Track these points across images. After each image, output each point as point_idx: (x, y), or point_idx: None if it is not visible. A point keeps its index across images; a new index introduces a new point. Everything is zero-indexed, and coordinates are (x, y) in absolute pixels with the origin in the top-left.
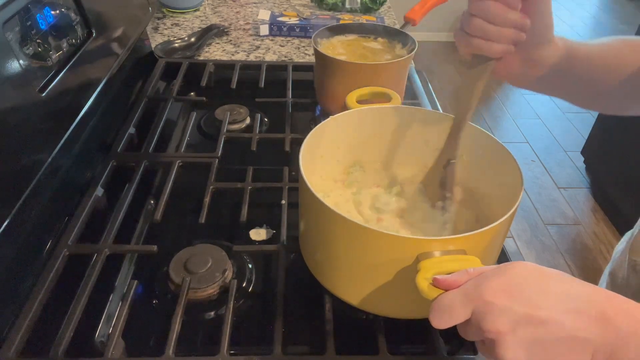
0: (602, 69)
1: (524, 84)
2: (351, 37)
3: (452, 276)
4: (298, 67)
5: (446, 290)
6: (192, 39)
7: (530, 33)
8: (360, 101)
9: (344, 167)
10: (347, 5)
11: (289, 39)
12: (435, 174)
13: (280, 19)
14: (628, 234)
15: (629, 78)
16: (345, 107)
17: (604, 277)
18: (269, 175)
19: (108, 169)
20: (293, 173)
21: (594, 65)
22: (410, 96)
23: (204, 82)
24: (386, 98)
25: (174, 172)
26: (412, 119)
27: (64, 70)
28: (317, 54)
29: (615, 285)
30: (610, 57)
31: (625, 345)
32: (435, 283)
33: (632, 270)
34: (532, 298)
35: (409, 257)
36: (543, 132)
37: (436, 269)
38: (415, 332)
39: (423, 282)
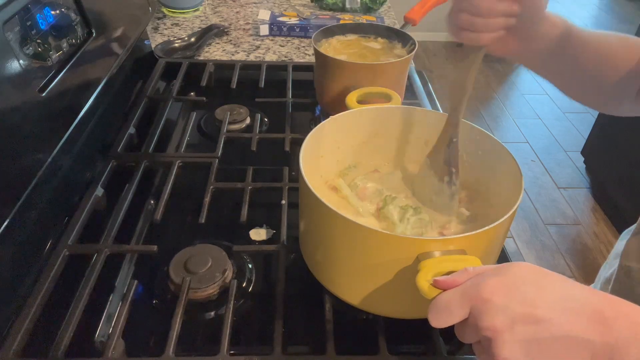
0: (595, 58)
1: (522, 60)
2: (351, 37)
3: (451, 276)
4: (298, 67)
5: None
6: (192, 39)
7: (522, 12)
8: (361, 101)
9: (345, 167)
10: (347, 5)
11: (289, 39)
12: (440, 153)
13: (280, 19)
14: (623, 236)
15: (618, 73)
16: (345, 107)
17: (598, 280)
18: (269, 175)
19: (108, 169)
20: (293, 173)
21: (587, 52)
22: (410, 96)
23: (204, 82)
24: (386, 98)
25: (174, 172)
26: (412, 119)
27: (64, 70)
28: (317, 54)
29: (608, 290)
30: (603, 49)
31: (625, 348)
32: (435, 284)
33: (625, 276)
34: (530, 297)
35: (409, 257)
36: (543, 132)
37: (436, 269)
38: (415, 332)
39: (423, 282)
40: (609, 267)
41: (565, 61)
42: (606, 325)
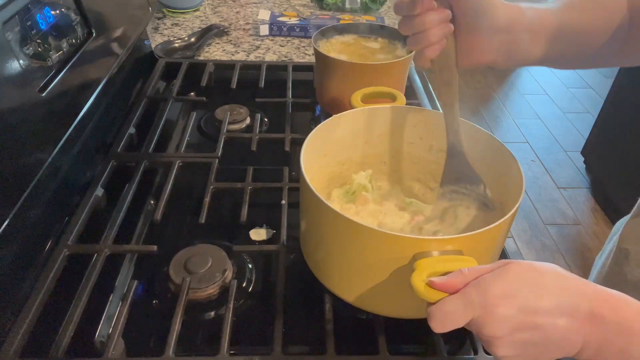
0: (568, 28)
1: (502, 63)
2: (351, 37)
3: (447, 278)
4: (298, 67)
5: (440, 291)
6: (192, 39)
7: (460, 14)
8: (365, 101)
9: (346, 167)
10: (347, 5)
11: (289, 39)
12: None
13: (280, 19)
14: (619, 224)
15: (595, 36)
16: (345, 107)
17: (594, 269)
18: (269, 175)
19: (108, 169)
20: (293, 173)
21: (560, 27)
22: (410, 96)
23: (204, 82)
24: (391, 98)
25: (174, 172)
26: (415, 119)
27: (64, 70)
28: (317, 54)
29: (607, 274)
30: (574, 24)
31: (613, 338)
32: (430, 284)
33: (624, 258)
34: (530, 303)
35: (406, 257)
36: (543, 132)
37: (431, 269)
38: (415, 332)
39: (418, 281)
40: (603, 252)
41: (540, 43)
42: (596, 322)
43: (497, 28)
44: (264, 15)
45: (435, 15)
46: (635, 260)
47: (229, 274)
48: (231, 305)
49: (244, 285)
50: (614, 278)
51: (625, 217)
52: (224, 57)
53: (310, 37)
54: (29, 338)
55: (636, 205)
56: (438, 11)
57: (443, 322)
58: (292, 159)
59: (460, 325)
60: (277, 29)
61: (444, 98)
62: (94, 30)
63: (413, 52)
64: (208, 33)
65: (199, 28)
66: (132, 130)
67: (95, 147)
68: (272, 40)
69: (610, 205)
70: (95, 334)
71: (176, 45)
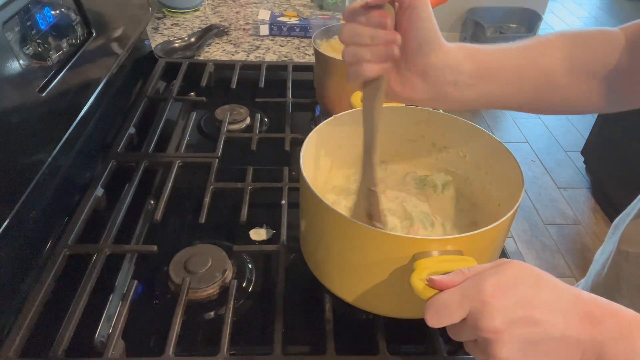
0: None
1: (445, 105)
2: None
3: (447, 276)
4: (298, 67)
5: (440, 290)
6: (192, 39)
7: (411, 44)
8: None
9: (346, 167)
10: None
11: (289, 39)
12: (360, 205)
13: (280, 19)
14: (618, 220)
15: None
16: (345, 107)
17: (594, 266)
18: (269, 175)
19: (108, 169)
20: (293, 173)
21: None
22: None
23: (204, 82)
24: None
25: (174, 172)
26: (415, 119)
27: (64, 70)
28: (317, 54)
29: (606, 275)
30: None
31: (613, 345)
32: (430, 283)
33: (624, 260)
34: (528, 298)
35: (405, 257)
36: (543, 132)
37: (431, 269)
38: (415, 332)
39: (417, 281)
40: (603, 252)
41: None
42: (595, 323)
43: (456, 72)
44: (264, 15)
45: (381, 33)
46: (635, 262)
47: (229, 274)
48: (231, 305)
49: (244, 285)
50: (613, 279)
51: (624, 214)
52: (224, 57)
53: (310, 37)
54: (29, 338)
55: (638, 206)
56: (388, 31)
57: (439, 315)
58: (292, 159)
59: (456, 319)
60: (277, 29)
61: (368, 137)
62: (94, 30)
63: None
64: (208, 33)
65: (199, 28)
66: (132, 130)
67: (95, 147)
68: (272, 40)
69: (610, 205)
70: (95, 334)
71: (176, 45)
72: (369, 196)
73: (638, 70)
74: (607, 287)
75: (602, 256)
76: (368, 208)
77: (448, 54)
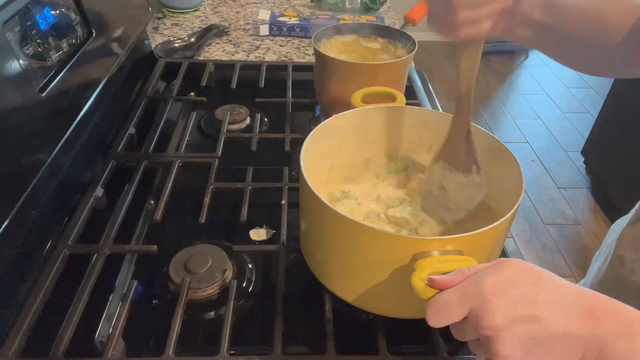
0: (583, 22)
1: (510, 37)
2: (351, 37)
3: (447, 276)
4: (298, 67)
5: (441, 290)
6: (192, 39)
7: None
8: (365, 101)
9: (346, 167)
10: (347, 5)
11: (289, 39)
12: (456, 149)
13: (280, 19)
14: (616, 224)
15: (611, 36)
16: (345, 107)
17: (591, 269)
18: (269, 175)
19: (108, 169)
20: (293, 173)
21: (573, 18)
22: (410, 96)
23: (204, 82)
24: (391, 98)
25: (174, 172)
26: (414, 119)
27: (64, 70)
28: (317, 54)
29: (603, 278)
30: (589, 9)
31: (614, 342)
32: (430, 283)
33: (620, 264)
34: (528, 295)
35: (406, 257)
36: (543, 132)
37: (431, 269)
38: (415, 332)
39: (418, 281)
40: (600, 255)
41: (555, 33)
42: (596, 321)
43: (530, 10)
44: (264, 15)
45: None
46: (630, 267)
47: (229, 274)
48: (231, 305)
49: (244, 285)
50: (609, 283)
51: (622, 218)
52: (224, 57)
53: (310, 37)
54: (29, 338)
55: (634, 211)
56: None
57: (439, 314)
58: (292, 159)
59: (457, 318)
60: (277, 29)
61: (461, 82)
62: (94, 30)
63: (413, 52)
64: (208, 33)
65: (199, 28)
66: (132, 130)
67: (95, 147)
68: (272, 40)
69: (610, 205)
70: (95, 334)
71: (176, 45)
72: (468, 137)
73: None
74: (604, 291)
75: (599, 259)
76: (468, 150)
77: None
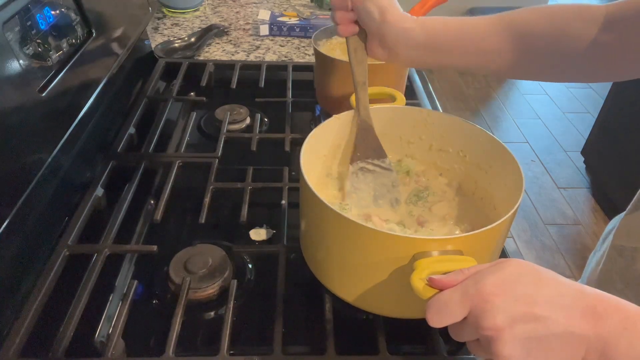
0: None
1: (399, 63)
2: None
3: (447, 276)
4: (298, 67)
5: (441, 290)
6: (192, 39)
7: (363, 13)
8: None
9: (345, 167)
10: None
11: (289, 39)
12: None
13: (280, 19)
14: (612, 223)
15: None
16: (345, 107)
17: (588, 266)
18: (269, 175)
19: (108, 169)
20: (293, 173)
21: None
22: (410, 96)
23: (204, 82)
24: (391, 98)
25: (174, 172)
26: (414, 119)
27: (64, 70)
28: (317, 54)
29: (601, 271)
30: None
31: (616, 341)
32: (430, 283)
33: (618, 255)
34: (529, 294)
35: (405, 257)
36: (543, 132)
37: (431, 269)
38: (415, 332)
39: (417, 281)
40: (595, 254)
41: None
42: (598, 319)
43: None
44: (264, 15)
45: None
46: (630, 257)
47: (229, 274)
48: (231, 305)
49: (244, 285)
50: (607, 275)
51: (618, 216)
52: (224, 57)
53: (310, 37)
54: (29, 338)
55: (632, 202)
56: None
57: (440, 314)
58: (292, 159)
59: (457, 318)
60: (277, 29)
61: (357, 77)
62: (94, 30)
63: None
64: (208, 33)
65: (199, 28)
66: (132, 130)
67: (95, 147)
68: (272, 40)
69: (610, 205)
70: (95, 334)
71: (176, 45)
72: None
73: (618, 45)
74: (601, 284)
75: (595, 255)
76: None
77: (400, 21)
